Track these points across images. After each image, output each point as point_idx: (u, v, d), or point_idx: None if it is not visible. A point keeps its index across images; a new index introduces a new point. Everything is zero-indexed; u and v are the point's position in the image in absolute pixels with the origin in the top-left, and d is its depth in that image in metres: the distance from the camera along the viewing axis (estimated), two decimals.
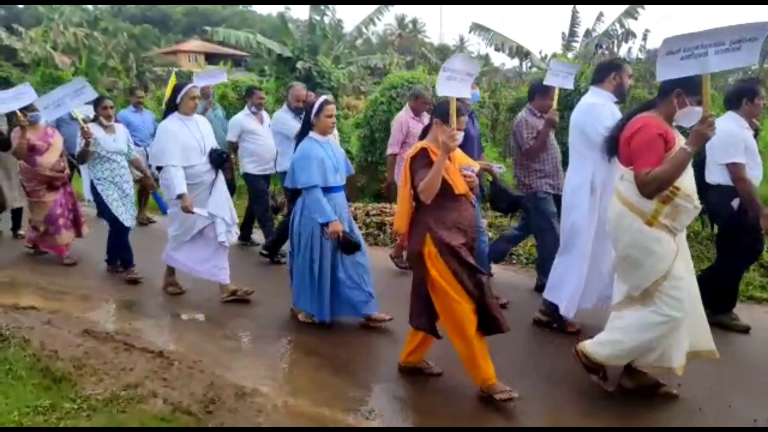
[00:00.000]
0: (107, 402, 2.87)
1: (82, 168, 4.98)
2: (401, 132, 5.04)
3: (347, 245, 3.71)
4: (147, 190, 7.16)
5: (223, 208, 4.34)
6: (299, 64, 10.30)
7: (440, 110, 2.99)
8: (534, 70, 11.79)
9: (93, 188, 4.88)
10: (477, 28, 11.74)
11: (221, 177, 4.40)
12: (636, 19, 10.84)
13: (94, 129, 4.76)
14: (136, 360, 3.39)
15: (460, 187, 2.92)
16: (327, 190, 3.69)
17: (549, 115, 4.13)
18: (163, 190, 4.34)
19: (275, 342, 3.73)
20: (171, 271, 4.62)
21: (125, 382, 3.10)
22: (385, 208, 6.87)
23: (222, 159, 4.33)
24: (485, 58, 19.08)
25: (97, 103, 4.92)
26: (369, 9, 12.20)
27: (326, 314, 3.81)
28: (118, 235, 4.95)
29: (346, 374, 3.28)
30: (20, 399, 2.82)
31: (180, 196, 4.05)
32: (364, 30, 12.54)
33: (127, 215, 4.93)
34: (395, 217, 3.17)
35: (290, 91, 5.32)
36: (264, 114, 5.94)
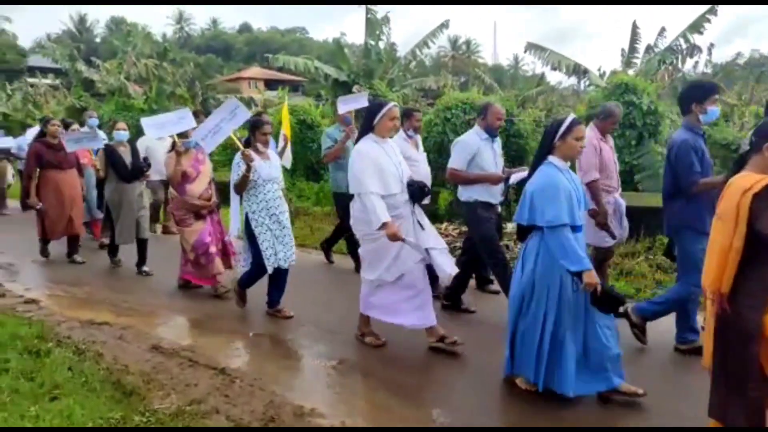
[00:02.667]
0: (173, 416, 2.97)
1: (233, 198, 4.51)
2: (596, 154, 4.31)
3: (607, 300, 2.91)
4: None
5: (437, 238, 3.81)
6: (355, 88, 10.53)
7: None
8: (592, 88, 11.53)
9: (247, 223, 4.43)
10: (532, 47, 11.65)
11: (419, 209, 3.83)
12: (701, 33, 10.45)
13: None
14: (200, 376, 3.50)
15: None
16: (572, 229, 2.96)
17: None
18: (354, 224, 3.82)
19: (335, 363, 3.75)
20: (367, 319, 4.01)
21: (190, 397, 3.20)
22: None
23: (424, 193, 3.79)
24: (540, 78, 18.83)
25: (254, 127, 4.43)
26: (423, 32, 12.37)
27: (569, 386, 2.99)
28: (257, 273, 4.51)
29: (405, 397, 3.26)
30: (94, 410, 2.96)
31: (384, 225, 3.47)
32: (418, 53, 12.70)
33: (280, 255, 4.39)
34: (705, 270, 2.30)
35: (490, 110, 4.49)
36: (418, 138, 5.45)
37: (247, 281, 4.64)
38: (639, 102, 8.27)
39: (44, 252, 6.56)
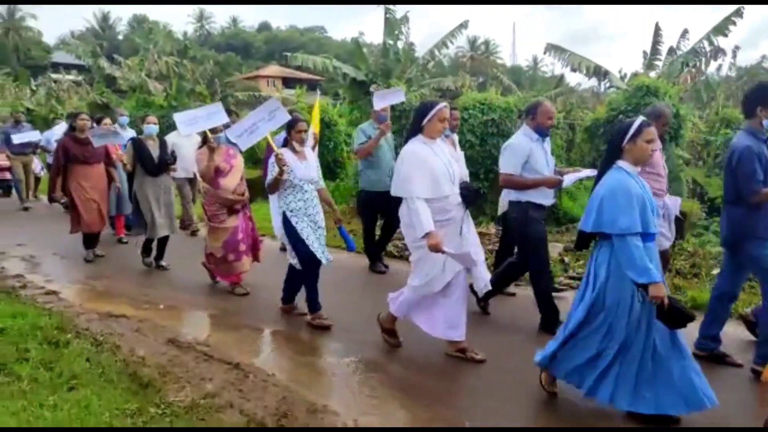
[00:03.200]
0: (188, 409, 3.00)
1: (271, 199, 4.51)
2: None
3: (674, 315, 2.74)
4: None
5: (478, 247, 3.70)
6: (373, 88, 10.53)
7: None
8: (612, 90, 11.40)
9: (286, 221, 4.31)
10: (552, 48, 11.55)
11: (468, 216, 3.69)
12: (726, 35, 10.27)
13: (286, 155, 4.21)
14: (214, 370, 3.53)
15: None
16: (644, 237, 2.80)
17: None
18: (403, 229, 3.69)
19: (349, 361, 3.77)
20: (393, 319, 3.93)
21: (205, 391, 3.23)
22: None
23: (477, 195, 3.62)
24: (559, 79, 18.66)
25: (290, 126, 4.35)
26: (442, 32, 12.32)
27: (624, 401, 2.86)
28: (307, 272, 4.33)
29: (419, 397, 3.25)
30: (111, 401, 3.00)
31: (427, 234, 3.33)
32: (436, 53, 12.66)
33: (322, 249, 4.32)
34: None
35: (540, 109, 4.22)
36: (455, 136, 5.54)
37: (291, 289, 4.58)
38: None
39: (90, 246, 6.40)
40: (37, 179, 11.06)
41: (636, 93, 8.42)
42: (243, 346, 4.04)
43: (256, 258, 5.39)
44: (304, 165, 4.30)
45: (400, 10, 11.59)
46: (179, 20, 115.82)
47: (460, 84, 15.02)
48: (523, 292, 5.08)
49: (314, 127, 6.58)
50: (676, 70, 10.86)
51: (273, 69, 49.94)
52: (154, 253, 6.08)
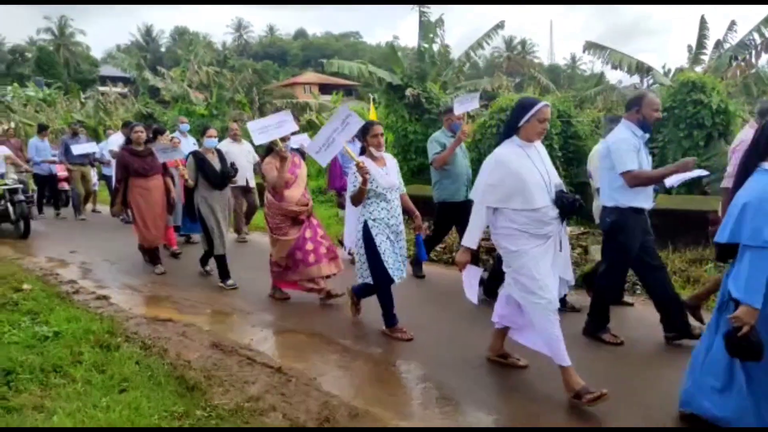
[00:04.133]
0: (233, 412, 3.06)
1: (350, 210, 4.24)
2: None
3: (745, 346, 2.47)
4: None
5: (568, 267, 3.37)
6: (408, 91, 10.54)
7: None
8: (656, 86, 11.04)
9: (366, 231, 4.06)
10: (592, 47, 11.28)
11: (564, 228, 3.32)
12: None
13: (366, 163, 3.96)
14: (257, 374, 3.59)
15: None
16: None
17: None
18: (495, 239, 3.31)
19: (389, 365, 3.77)
20: (502, 337, 3.64)
21: (248, 394, 3.29)
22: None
23: (573, 206, 3.17)
24: (599, 77, 18.19)
25: (365, 131, 4.13)
26: (477, 33, 12.23)
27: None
28: (380, 287, 4.15)
29: (463, 404, 3.23)
30: (159, 403, 3.10)
31: (461, 248, 3.21)
32: (472, 54, 12.56)
33: (397, 265, 4.09)
34: None
35: (645, 100, 3.84)
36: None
37: (364, 292, 4.42)
38: (708, 101, 7.85)
39: (154, 261, 6.42)
40: (94, 192, 11.21)
41: (681, 89, 8.13)
42: (285, 350, 4.11)
43: (338, 266, 5.08)
44: (385, 171, 4.08)
45: (434, 12, 11.56)
46: (219, 30, 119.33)
47: (496, 85, 14.87)
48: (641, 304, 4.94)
49: None
50: (723, 65, 10.42)
51: (309, 76, 50.64)
52: (209, 266, 6.10)
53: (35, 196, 10.47)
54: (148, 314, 4.80)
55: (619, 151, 3.74)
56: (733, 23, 10.95)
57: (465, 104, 5.46)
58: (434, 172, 5.56)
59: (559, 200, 3.15)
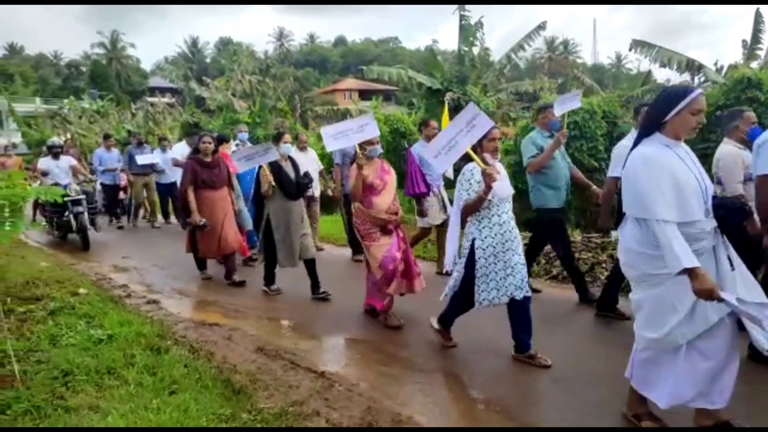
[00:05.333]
0: (277, 416, 3.10)
1: (454, 223, 3.77)
2: None
3: None
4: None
5: (752, 285, 2.61)
6: (448, 95, 10.51)
7: None
8: (708, 84, 10.61)
9: (471, 247, 3.68)
10: (638, 45, 10.96)
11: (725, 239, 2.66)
12: None
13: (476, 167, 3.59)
14: (301, 379, 3.62)
15: None
16: None
17: None
18: (627, 259, 2.73)
19: (432, 372, 3.74)
20: (642, 399, 2.86)
21: (292, 398, 3.32)
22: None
23: (739, 215, 2.79)
24: (646, 75, 17.63)
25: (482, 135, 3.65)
26: (518, 35, 12.07)
27: None
28: (463, 307, 3.86)
29: (504, 411, 3.16)
30: (207, 406, 3.16)
31: (691, 273, 2.37)
32: (513, 56, 12.42)
33: (509, 283, 3.63)
34: None
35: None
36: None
37: (451, 316, 4.01)
38: (765, 98, 7.49)
39: (203, 270, 6.42)
40: (152, 202, 10.82)
41: (735, 86, 7.80)
42: (328, 355, 4.14)
43: (411, 288, 4.65)
44: (500, 179, 3.59)
45: (474, 15, 11.50)
46: (261, 40, 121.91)
47: (538, 87, 14.64)
48: None
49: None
50: None
51: (349, 82, 51.17)
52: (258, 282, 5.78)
53: (100, 205, 10.36)
54: (195, 318, 4.93)
55: (763, 153, 3.26)
56: None
57: (566, 104, 5.01)
58: (530, 177, 5.09)
59: (719, 208, 2.63)
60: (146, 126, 22.51)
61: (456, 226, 3.73)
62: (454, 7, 11.36)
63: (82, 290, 5.50)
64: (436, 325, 4.11)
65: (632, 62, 57.54)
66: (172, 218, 10.70)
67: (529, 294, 3.72)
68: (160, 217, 10.96)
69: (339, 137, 4.55)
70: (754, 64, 10.27)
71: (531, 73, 31.12)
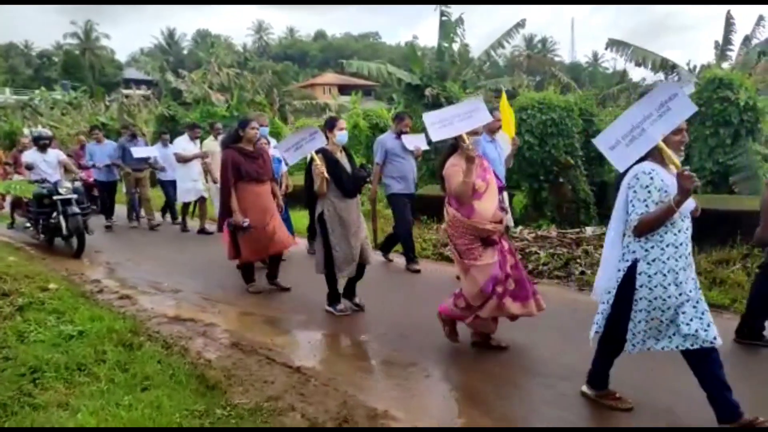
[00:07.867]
0: (252, 412, 3.07)
1: (613, 240, 2.87)
2: None
3: None
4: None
5: None
6: (427, 91, 10.52)
7: None
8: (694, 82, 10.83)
9: (631, 270, 2.79)
10: (615, 44, 11.13)
11: None
12: None
13: (664, 173, 2.74)
14: (276, 374, 3.60)
15: None
16: None
17: None
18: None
19: (408, 366, 3.74)
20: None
21: (267, 394, 3.30)
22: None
23: None
24: (622, 74, 17.92)
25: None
26: (498, 33, 12.14)
27: None
28: (615, 350, 2.98)
29: (480, 404, 3.19)
30: (180, 402, 3.12)
31: None
32: (492, 53, 12.49)
33: (696, 326, 2.72)
34: None
35: None
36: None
37: (603, 367, 3.09)
38: (735, 98, 7.68)
39: (249, 279, 5.56)
40: (146, 199, 9.83)
41: (708, 86, 7.97)
42: (304, 351, 4.11)
43: (538, 305, 3.78)
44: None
45: (455, 12, 11.53)
46: (239, 33, 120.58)
47: (516, 84, 14.76)
48: None
49: (509, 131, 5.49)
50: (752, 61, 10.19)
51: (328, 77, 50.87)
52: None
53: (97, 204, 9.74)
54: (169, 313, 4.86)
55: None
56: (761, 18, 10.71)
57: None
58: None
59: None
60: (120, 119, 22.05)
61: (617, 240, 2.85)
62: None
63: (52, 285, 5.37)
64: (590, 392, 3.16)
65: (608, 61, 58.44)
66: (167, 216, 10.22)
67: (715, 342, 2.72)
68: (157, 215, 10.03)
69: (445, 125, 3.76)
70: (726, 65, 10.52)
71: (510, 71, 31.35)
